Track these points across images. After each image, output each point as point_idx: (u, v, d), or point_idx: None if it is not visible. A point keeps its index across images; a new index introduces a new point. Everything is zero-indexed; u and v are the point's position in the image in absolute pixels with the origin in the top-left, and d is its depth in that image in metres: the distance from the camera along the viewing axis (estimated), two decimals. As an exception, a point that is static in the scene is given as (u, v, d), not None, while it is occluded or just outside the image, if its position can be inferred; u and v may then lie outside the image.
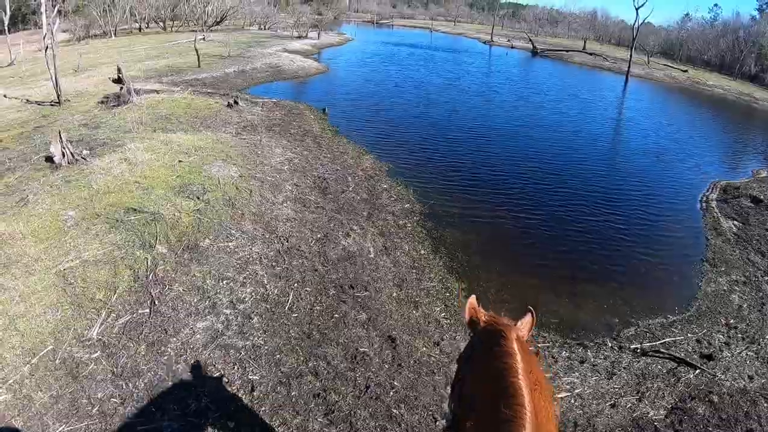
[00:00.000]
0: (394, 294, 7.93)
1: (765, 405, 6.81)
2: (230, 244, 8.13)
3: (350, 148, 14.18)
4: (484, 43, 65.73)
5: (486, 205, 11.77)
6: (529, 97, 27.58)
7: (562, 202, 12.56)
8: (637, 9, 44.85)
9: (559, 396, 6.40)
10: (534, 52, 57.50)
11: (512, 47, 62.30)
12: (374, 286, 7.98)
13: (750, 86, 54.53)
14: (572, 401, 6.38)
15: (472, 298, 2.62)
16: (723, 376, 7.28)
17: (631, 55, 45.26)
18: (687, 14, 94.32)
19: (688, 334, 8.18)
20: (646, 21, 50.22)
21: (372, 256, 8.86)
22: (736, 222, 13.02)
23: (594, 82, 40.51)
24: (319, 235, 9.06)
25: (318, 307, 7.19)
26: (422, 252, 9.40)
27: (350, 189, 11.23)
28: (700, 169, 18.07)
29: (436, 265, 9.05)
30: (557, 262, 9.78)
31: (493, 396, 1.97)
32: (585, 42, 67.14)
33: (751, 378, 7.36)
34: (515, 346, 2.13)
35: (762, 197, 14.66)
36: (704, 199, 14.63)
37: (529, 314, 2.59)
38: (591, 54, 56.76)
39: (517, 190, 12.93)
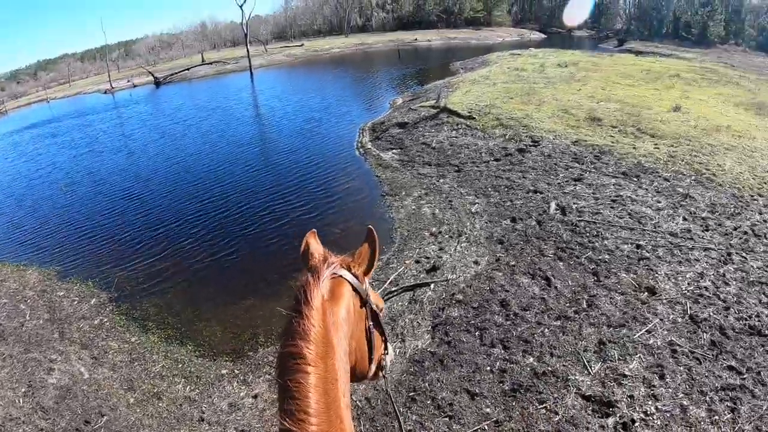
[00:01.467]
0: (131, 400, 6.88)
1: (500, 275, 7.44)
2: None
3: (7, 270, 11.88)
4: (105, 92, 61.83)
5: (171, 257, 10.86)
6: (170, 130, 26.29)
7: (242, 220, 12.15)
8: (241, 7, 46.95)
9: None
10: (157, 83, 56.18)
11: (134, 86, 59.77)
12: (107, 405, 6.82)
13: (361, 36, 63.06)
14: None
15: (311, 232, 2.04)
16: (455, 276, 7.82)
17: (248, 51, 47.34)
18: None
19: (406, 261, 8.60)
20: (252, 15, 52.98)
21: (87, 375, 7.53)
22: (395, 150, 14.32)
23: (224, 88, 41.15)
24: (23, 389, 7.43)
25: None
26: (133, 340, 8.32)
27: (28, 317, 9.42)
28: (348, 123, 19.58)
29: (153, 344, 8.12)
30: (264, 272, 9.53)
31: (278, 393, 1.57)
32: (202, 54, 68.18)
33: (476, 262, 8.00)
34: (311, 322, 1.57)
35: (406, 120, 16.44)
36: (359, 145, 15.77)
37: (367, 242, 1.98)
38: (211, 63, 57.75)
39: (197, 229, 12.13)
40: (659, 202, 9.52)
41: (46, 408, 6.98)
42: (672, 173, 10.91)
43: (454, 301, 7.13)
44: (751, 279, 7.22)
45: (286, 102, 28.00)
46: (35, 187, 20.80)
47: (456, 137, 13.98)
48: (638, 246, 7.95)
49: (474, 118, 14.86)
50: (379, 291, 7.84)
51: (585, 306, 6.51)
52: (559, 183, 10.52)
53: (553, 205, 9.48)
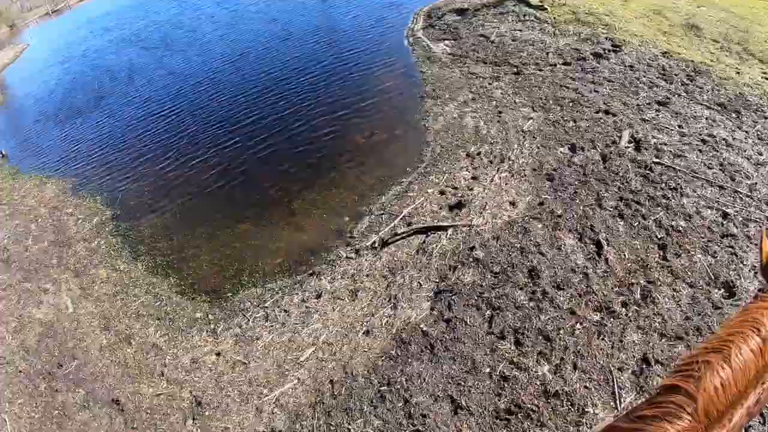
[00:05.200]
0: (105, 342, 6.72)
1: (539, 227, 6.01)
2: None
3: (31, 184, 11.78)
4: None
5: (180, 169, 10.31)
6: (236, 16, 23.59)
7: (264, 127, 10.86)
8: None
9: (308, 351, 5.44)
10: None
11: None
12: (81, 348, 6.72)
13: None
14: (321, 353, 5.37)
15: (765, 230, 1.92)
16: (482, 220, 6.42)
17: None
18: None
19: (427, 191, 7.15)
20: None
21: (71, 310, 7.45)
22: (447, 42, 12.42)
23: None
24: (13, 324, 7.50)
25: (36, 416, 5.87)
26: (122, 267, 8.08)
27: (31, 240, 9.42)
28: (401, 9, 17.15)
29: (139, 274, 7.89)
30: (269, 192, 8.65)
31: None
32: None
33: (513, 203, 6.54)
34: None
35: (466, 5, 14.26)
36: (409, 33, 13.80)
37: None
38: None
39: (217, 137, 11.15)
40: (761, 154, 6.95)
41: (28, 347, 7.01)
42: (781, 115, 8.42)
43: (471, 259, 5.75)
44: None
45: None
46: (78, 87, 19.61)
47: (521, 30, 11.87)
48: (725, 215, 5.77)
49: (545, 8, 12.61)
50: (387, 228, 6.52)
51: (638, 296, 4.81)
52: (638, 104, 8.39)
53: (626, 135, 7.48)
